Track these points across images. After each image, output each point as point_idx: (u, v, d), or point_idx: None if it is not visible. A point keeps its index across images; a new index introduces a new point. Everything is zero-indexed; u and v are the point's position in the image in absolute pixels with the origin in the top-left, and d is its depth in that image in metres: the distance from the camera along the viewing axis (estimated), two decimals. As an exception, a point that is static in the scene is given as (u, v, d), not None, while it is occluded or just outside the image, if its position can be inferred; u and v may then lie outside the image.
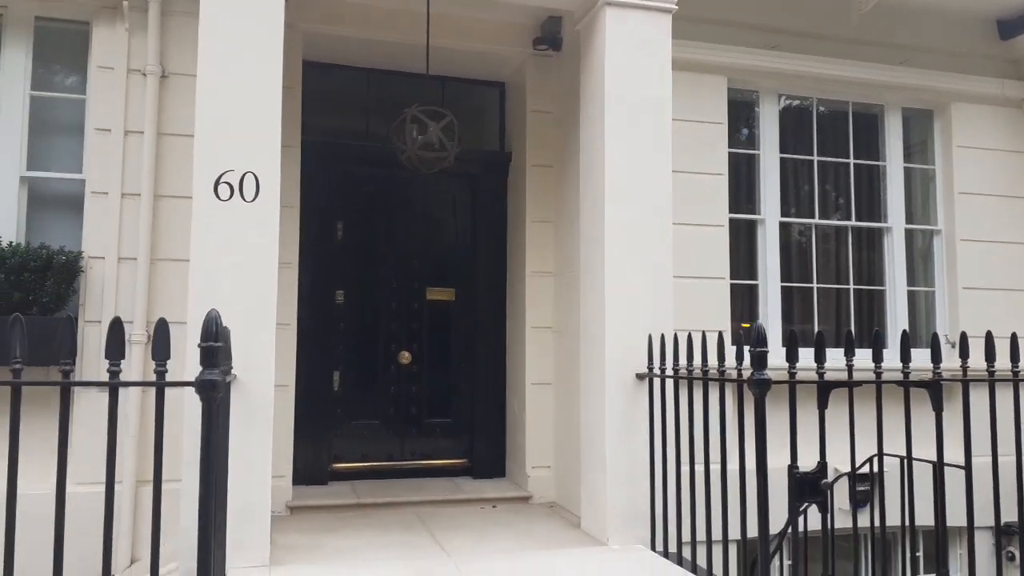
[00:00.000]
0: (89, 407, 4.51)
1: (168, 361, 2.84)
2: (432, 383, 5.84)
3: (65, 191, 4.86)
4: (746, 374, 3.15)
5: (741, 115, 5.99)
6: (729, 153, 5.70)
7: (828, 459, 3.21)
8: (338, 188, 5.69)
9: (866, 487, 4.41)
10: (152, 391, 3.09)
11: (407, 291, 5.85)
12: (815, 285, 6.00)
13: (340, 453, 5.61)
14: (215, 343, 2.63)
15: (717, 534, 3.47)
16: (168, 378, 2.87)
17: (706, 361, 3.61)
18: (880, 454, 3.33)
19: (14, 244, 4.55)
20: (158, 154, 4.78)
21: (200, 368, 2.63)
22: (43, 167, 4.86)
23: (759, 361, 3.01)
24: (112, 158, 4.74)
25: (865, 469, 3.53)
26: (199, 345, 2.65)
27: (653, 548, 4.00)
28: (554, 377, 5.46)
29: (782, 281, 5.90)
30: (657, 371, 4.09)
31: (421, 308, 5.86)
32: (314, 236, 5.53)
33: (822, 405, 3.16)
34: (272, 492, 4.78)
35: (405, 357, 5.76)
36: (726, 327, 5.47)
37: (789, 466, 3.08)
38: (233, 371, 3.64)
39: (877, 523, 3.31)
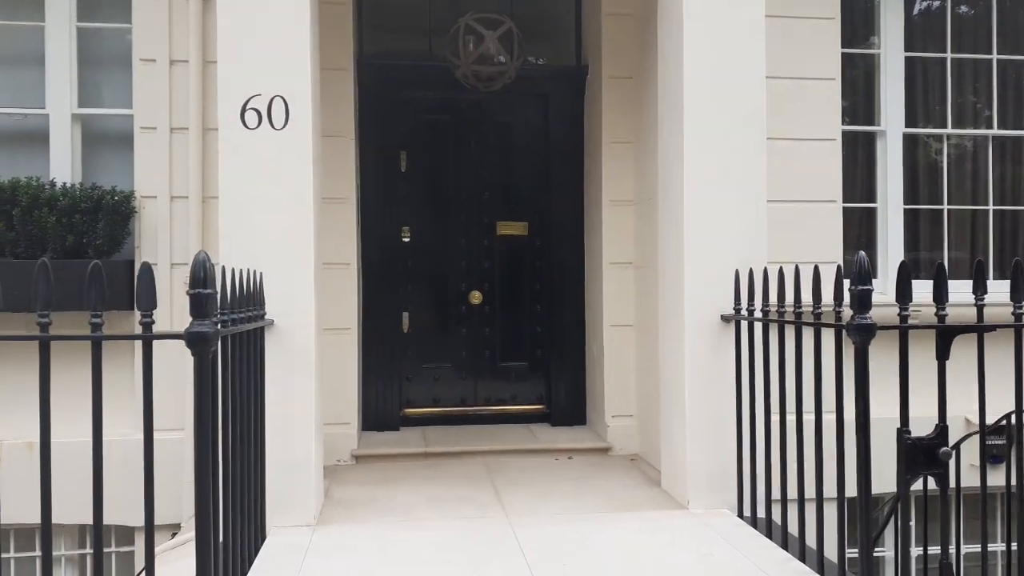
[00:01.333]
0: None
1: (155, 311, 2.50)
2: (505, 324, 5.45)
3: (118, 128, 4.68)
4: (847, 316, 2.55)
5: (856, 7, 5.11)
6: (842, 54, 4.88)
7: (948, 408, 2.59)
8: (400, 115, 5.28)
9: (1000, 441, 3.71)
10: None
11: (477, 225, 5.43)
12: (946, 207, 5.15)
13: (412, 398, 5.35)
14: (204, 290, 2.29)
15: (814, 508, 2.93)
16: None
17: (799, 301, 3.00)
18: (1020, 411, 2.67)
19: (69, 186, 4.42)
20: (205, 84, 4.49)
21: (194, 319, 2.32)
22: (95, 103, 4.69)
23: (861, 302, 2.41)
24: (159, 90, 4.50)
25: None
26: (187, 292, 2.31)
27: (740, 514, 3.50)
28: (635, 318, 4.94)
29: (906, 204, 5.09)
30: (744, 312, 3.51)
31: (492, 244, 5.44)
32: (374, 168, 5.17)
33: (942, 355, 2.53)
34: (335, 440, 4.64)
35: (476, 297, 5.38)
36: (838, 259, 4.77)
37: (899, 430, 2.50)
38: (267, 315, 3.36)
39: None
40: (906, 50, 5.08)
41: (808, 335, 2.92)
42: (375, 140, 5.19)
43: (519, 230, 5.44)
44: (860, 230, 5.12)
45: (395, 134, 5.27)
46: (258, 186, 3.45)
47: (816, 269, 2.92)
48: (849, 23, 5.02)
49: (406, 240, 5.33)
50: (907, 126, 5.09)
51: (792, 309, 3.00)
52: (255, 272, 3.21)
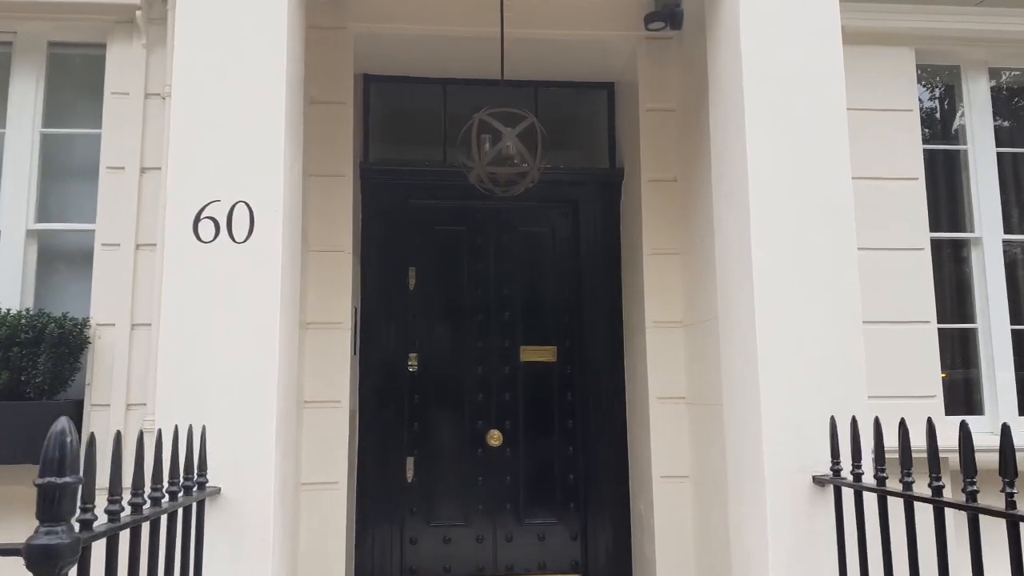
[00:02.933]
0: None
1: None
2: (531, 471, 4.54)
3: (78, 245, 4.04)
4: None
5: (936, 98, 4.43)
6: (923, 150, 4.15)
7: None
8: (408, 225, 4.60)
9: None
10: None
11: (497, 351, 4.63)
12: (1067, 327, 4.26)
13: (417, 565, 4.40)
14: (58, 479, 1.49)
15: None
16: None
17: (909, 463, 2.12)
18: None
19: (13, 313, 3.73)
20: (178, 194, 3.84)
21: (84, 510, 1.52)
22: (55, 217, 4.07)
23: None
24: (126, 201, 3.87)
25: None
26: (34, 482, 1.51)
27: None
28: (692, 467, 4.02)
29: (1014, 324, 4.22)
30: (847, 475, 2.62)
31: (514, 373, 4.61)
32: (377, 287, 4.45)
33: None
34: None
35: (495, 437, 4.51)
36: (937, 391, 3.88)
37: None
38: (211, 483, 2.55)
39: None
40: (997, 145, 4.34)
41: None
42: (379, 254, 4.50)
43: (546, 356, 4.62)
44: (954, 352, 4.24)
45: (403, 247, 4.57)
46: (211, 311, 2.71)
47: (930, 425, 2.08)
48: (929, 116, 4.33)
49: (413, 369, 4.53)
50: (1005, 231, 4.29)
51: (902, 476, 2.12)
52: (195, 428, 2.43)
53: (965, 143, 4.35)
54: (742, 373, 2.99)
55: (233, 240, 2.76)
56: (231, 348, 2.68)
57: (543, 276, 4.70)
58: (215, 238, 2.75)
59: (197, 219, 2.76)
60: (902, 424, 2.27)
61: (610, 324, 4.57)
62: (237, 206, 2.77)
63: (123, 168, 3.90)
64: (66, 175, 4.13)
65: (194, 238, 2.74)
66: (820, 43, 3.09)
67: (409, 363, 4.52)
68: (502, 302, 4.66)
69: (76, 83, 4.16)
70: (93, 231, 3.93)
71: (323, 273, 3.96)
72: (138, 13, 3.91)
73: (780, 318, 2.88)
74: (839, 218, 2.95)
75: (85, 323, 3.76)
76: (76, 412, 3.69)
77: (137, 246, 3.85)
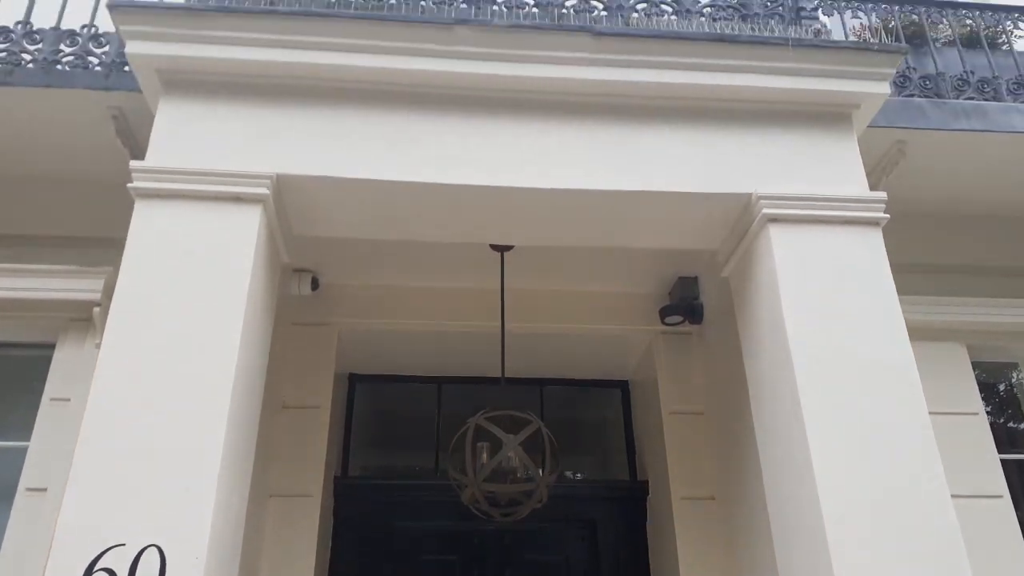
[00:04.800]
0: None
1: None
2: None
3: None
4: None
5: (994, 397, 3.88)
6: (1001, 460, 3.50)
7: None
8: (391, 557, 3.77)
9: None
10: None
11: None
12: None
13: None
14: None
15: None
16: None
17: None
18: None
19: None
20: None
21: None
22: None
23: None
24: (43, 533, 3.12)
25: None
26: None
27: None
28: None
29: None
30: None
31: None
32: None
33: None
34: None
35: None
36: None
37: None
38: None
39: None
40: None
41: None
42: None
43: None
44: None
45: (384, 581, 3.71)
46: None
47: None
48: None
49: None
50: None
51: None
52: None
53: None
54: None
55: (134, 604, 2.00)
56: None
57: (556, 618, 3.76)
58: (108, 601, 1.99)
59: (89, 573, 2.02)
60: None
61: None
62: (146, 553, 2.05)
63: (45, 490, 3.22)
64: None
65: (79, 602, 1.99)
66: (882, 329, 2.59)
67: None
68: (505, 653, 3.68)
69: (7, 389, 3.62)
70: (-5, 567, 3.14)
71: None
72: (96, 310, 3.48)
73: None
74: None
75: None
76: None
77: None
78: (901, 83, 3.64)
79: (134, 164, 2.63)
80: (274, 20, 2.78)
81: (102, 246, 3.27)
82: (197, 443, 2.21)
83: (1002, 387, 4.04)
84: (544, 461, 2.82)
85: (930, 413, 3.08)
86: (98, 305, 3.47)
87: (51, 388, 3.46)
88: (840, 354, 2.53)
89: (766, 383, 2.72)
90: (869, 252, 2.70)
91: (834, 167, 2.87)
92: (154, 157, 2.65)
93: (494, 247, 3.47)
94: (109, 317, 2.39)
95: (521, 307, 3.63)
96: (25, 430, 3.43)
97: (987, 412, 3.68)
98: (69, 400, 3.38)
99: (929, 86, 3.69)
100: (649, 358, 3.90)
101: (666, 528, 3.55)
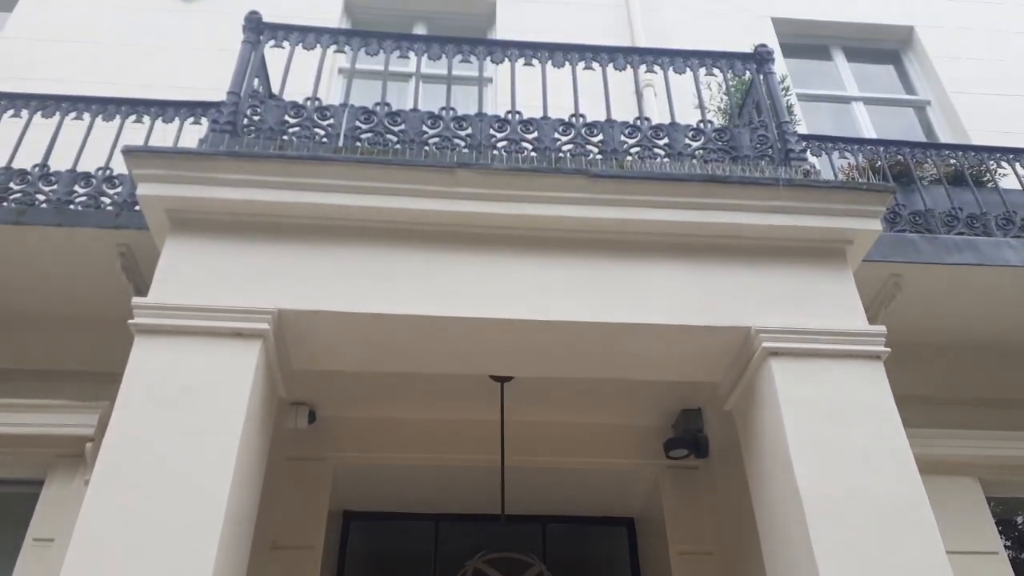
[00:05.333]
0: None
1: None
2: None
3: None
4: None
5: (1013, 532, 3.73)
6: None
7: None
8: None
9: None
10: None
11: None
12: None
13: None
14: None
15: None
16: None
17: None
18: None
19: None
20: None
21: None
22: None
23: None
24: None
25: None
26: None
27: None
28: None
29: None
30: None
31: None
32: None
33: None
34: None
35: None
36: None
37: None
38: None
39: None
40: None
41: None
42: None
43: None
44: None
45: None
46: None
47: None
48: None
49: None
50: None
51: None
52: None
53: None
54: None
55: None
56: None
57: None
58: None
59: None
60: None
61: None
62: None
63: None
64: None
65: None
66: (892, 469, 2.52)
67: None
68: None
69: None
70: None
71: None
72: (88, 446, 3.42)
73: None
74: None
75: None
76: None
77: None
78: (892, 219, 3.69)
79: (136, 301, 2.65)
80: (283, 164, 2.87)
81: (102, 381, 3.25)
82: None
83: (1020, 521, 3.89)
84: (546, 608, 2.68)
85: (948, 552, 2.96)
86: (91, 440, 3.42)
87: (35, 528, 3.35)
88: (851, 495, 2.45)
89: (777, 524, 2.63)
90: (872, 386, 2.68)
91: (832, 301, 2.89)
92: (156, 293, 2.68)
93: (494, 378, 3.45)
94: (100, 452, 2.35)
95: (522, 440, 3.58)
96: (5, 573, 3.29)
97: (1006, 548, 3.54)
98: (53, 541, 3.27)
99: (919, 222, 3.74)
100: (655, 494, 3.79)
101: None
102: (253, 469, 2.59)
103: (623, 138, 3.33)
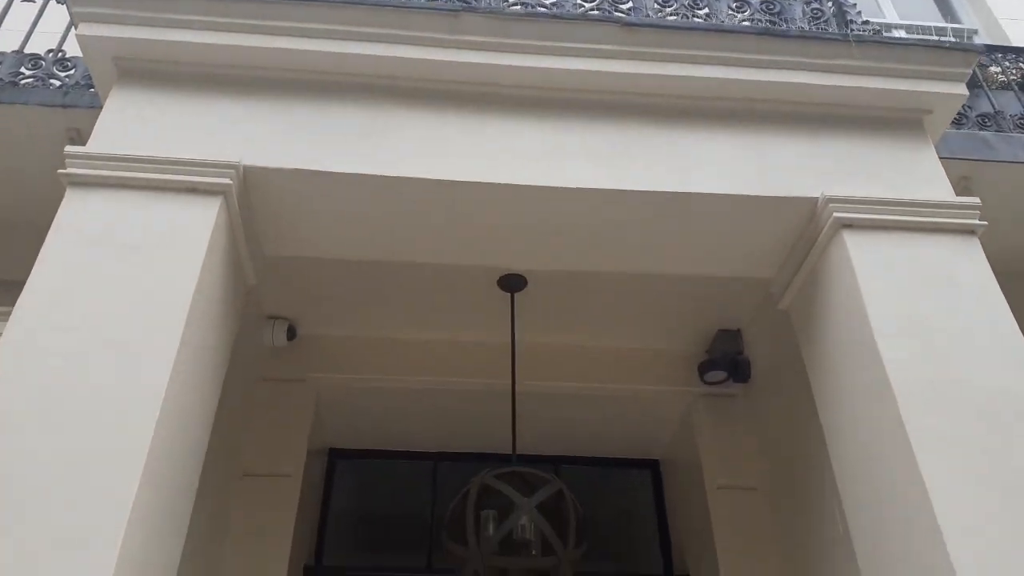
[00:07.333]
0: None
1: None
2: None
3: None
4: None
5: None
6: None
7: None
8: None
9: None
10: None
11: None
12: None
13: None
14: None
15: None
16: None
17: None
18: None
19: None
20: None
21: None
22: None
23: None
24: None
25: None
26: None
27: None
28: None
29: None
30: None
31: None
32: None
33: None
34: None
35: None
36: None
37: None
38: None
39: None
40: None
41: None
42: None
43: None
44: None
45: None
46: None
47: None
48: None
49: None
50: None
51: None
52: None
53: None
54: None
55: None
56: None
57: None
58: None
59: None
60: None
61: None
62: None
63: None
64: None
65: None
66: (1002, 354, 2.03)
67: None
68: None
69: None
70: None
71: None
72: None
73: None
74: None
75: None
76: None
77: None
78: (958, 120, 3.26)
79: (70, 149, 2.16)
80: (253, 4, 2.39)
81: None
82: (99, 499, 1.62)
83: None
84: (567, 532, 2.18)
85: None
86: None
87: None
88: (953, 386, 1.96)
89: (857, 430, 2.12)
90: (970, 263, 2.19)
91: (912, 172, 2.41)
92: (96, 143, 2.20)
93: (502, 285, 2.96)
94: (12, 314, 1.86)
95: (533, 365, 3.07)
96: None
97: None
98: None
99: (988, 124, 3.32)
100: (687, 428, 3.29)
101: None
102: (207, 358, 2.09)
103: (656, 4, 2.89)
